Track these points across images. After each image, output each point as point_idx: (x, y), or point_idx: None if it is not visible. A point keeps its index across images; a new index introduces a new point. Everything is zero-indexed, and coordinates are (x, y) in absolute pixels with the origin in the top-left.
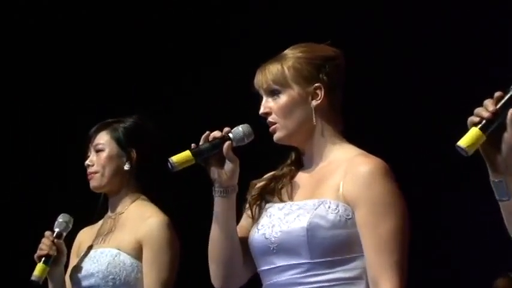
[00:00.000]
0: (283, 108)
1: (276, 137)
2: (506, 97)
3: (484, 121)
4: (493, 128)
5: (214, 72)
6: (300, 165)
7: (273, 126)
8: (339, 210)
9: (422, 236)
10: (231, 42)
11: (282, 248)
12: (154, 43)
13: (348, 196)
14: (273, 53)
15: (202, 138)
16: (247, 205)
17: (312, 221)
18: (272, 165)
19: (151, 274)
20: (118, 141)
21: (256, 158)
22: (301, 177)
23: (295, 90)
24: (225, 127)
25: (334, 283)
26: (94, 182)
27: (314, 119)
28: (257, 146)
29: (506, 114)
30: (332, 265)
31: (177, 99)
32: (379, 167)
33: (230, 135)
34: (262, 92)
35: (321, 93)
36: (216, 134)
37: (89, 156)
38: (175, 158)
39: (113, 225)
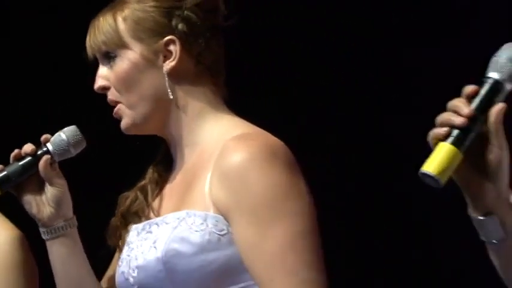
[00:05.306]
0: (121, 79)
1: (122, 125)
2: (484, 91)
3: (456, 132)
4: (471, 140)
5: None
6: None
7: (116, 109)
8: (207, 225)
9: None
10: None
11: None
12: None
13: (218, 202)
14: None
15: (11, 157)
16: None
17: (168, 248)
18: None
19: None
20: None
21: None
22: (173, 181)
23: (136, 51)
24: (44, 134)
25: None
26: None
27: (169, 90)
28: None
29: (485, 117)
30: None
31: None
32: (256, 152)
33: (49, 146)
34: (98, 58)
35: (175, 50)
36: (27, 148)
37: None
38: None
39: None
